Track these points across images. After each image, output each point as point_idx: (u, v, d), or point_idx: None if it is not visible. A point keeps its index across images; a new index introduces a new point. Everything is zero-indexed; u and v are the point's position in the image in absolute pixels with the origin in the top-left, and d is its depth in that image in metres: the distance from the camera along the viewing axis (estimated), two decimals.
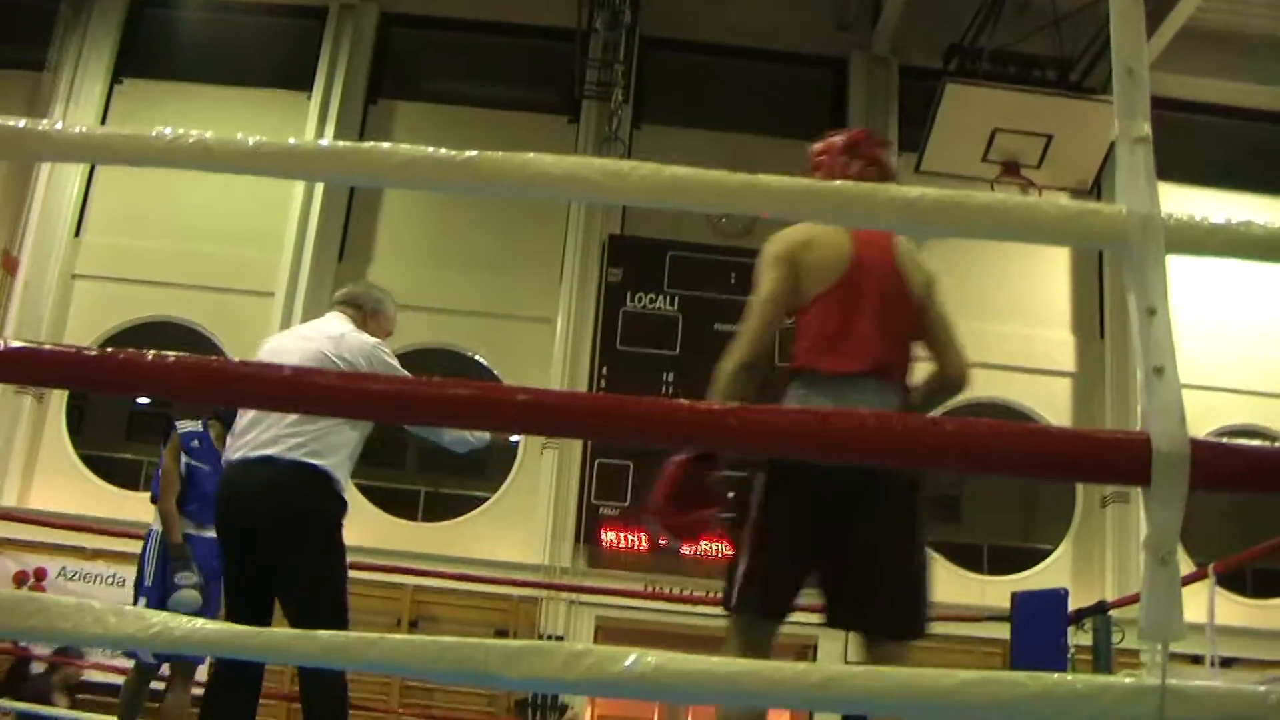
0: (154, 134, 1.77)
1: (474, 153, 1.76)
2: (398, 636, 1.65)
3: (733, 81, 17.57)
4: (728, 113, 17.02)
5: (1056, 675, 1.68)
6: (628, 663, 1.69)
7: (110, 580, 14.04)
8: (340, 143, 1.75)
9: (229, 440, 5.35)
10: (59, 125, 1.82)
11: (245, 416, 5.28)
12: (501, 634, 13.39)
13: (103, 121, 16.70)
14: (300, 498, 5.10)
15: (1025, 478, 1.80)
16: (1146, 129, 1.81)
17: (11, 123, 1.79)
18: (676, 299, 15.35)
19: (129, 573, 13.95)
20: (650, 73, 17.07)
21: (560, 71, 16.97)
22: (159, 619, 1.77)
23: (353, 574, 8.53)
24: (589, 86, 16.31)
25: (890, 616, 3.79)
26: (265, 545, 5.09)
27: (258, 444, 5.10)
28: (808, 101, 17.61)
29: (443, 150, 1.75)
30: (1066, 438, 1.88)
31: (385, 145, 1.72)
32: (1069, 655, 7.98)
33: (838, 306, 3.90)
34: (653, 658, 1.70)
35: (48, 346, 1.73)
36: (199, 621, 1.83)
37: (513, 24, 17.25)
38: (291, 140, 1.74)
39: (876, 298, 3.91)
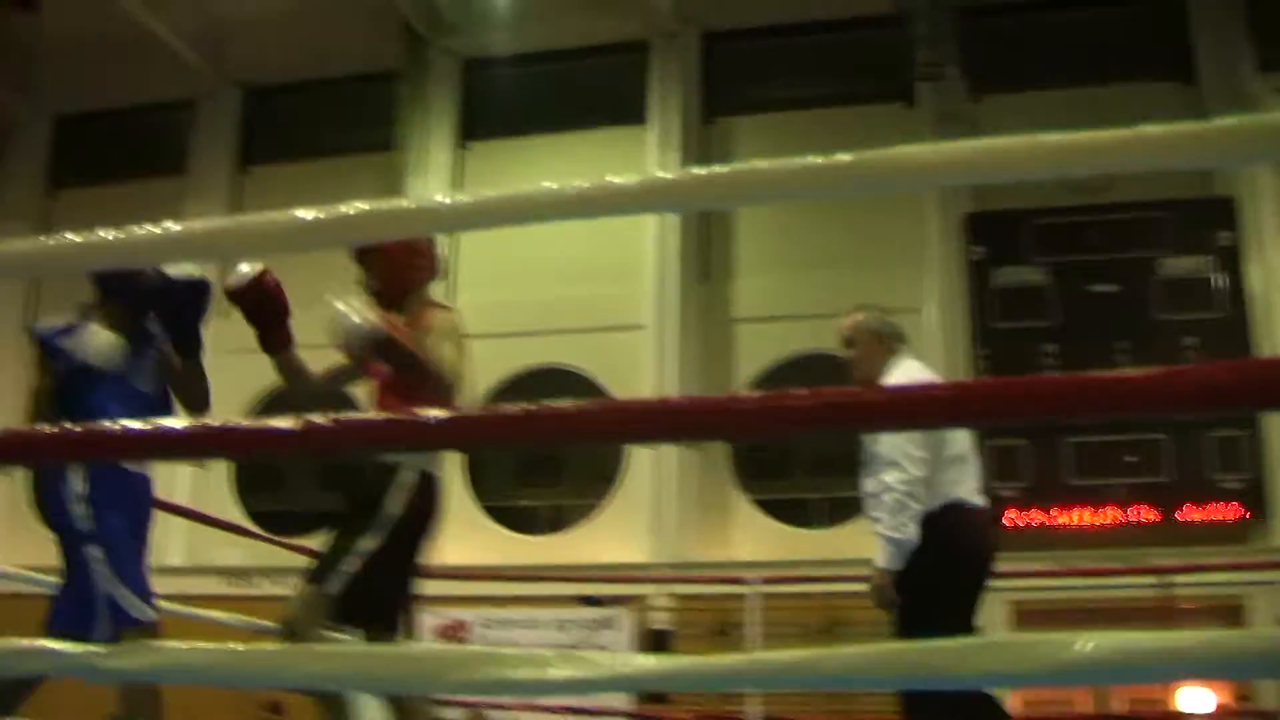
0: (537, 191, 1.81)
1: (849, 155, 1.74)
2: (849, 649, 1.63)
3: (1069, 34, 16.88)
4: (1069, 68, 16.38)
5: None
6: (1085, 647, 1.62)
7: (527, 624, 14.52)
8: (718, 168, 1.75)
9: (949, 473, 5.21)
10: (448, 198, 1.88)
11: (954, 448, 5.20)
12: None
13: (454, 187, 17.41)
14: None
15: None
16: None
17: (404, 203, 1.86)
18: (1045, 267, 14.95)
19: (543, 615, 14.51)
20: (980, 42, 16.63)
21: (888, 58, 16.77)
22: (605, 661, 1.80)
23: (766, 588, 8.64)
24: (920, 68, 16.03)
25: None
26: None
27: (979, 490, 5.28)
28: (1150, 41, 16.85)
29: (818, 158, 1.74)
30: None
31: (763, 163, 1.72)
32: None
33: None
34: (1106, 640, 1.62)
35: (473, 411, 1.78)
36: (642, 659, 1.84)
37: (833, 20, 17.15)
38: (669, 174, 1.76)
39: None
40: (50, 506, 4.67)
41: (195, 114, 19.28)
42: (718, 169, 1.73)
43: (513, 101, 18.40)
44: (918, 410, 1.68)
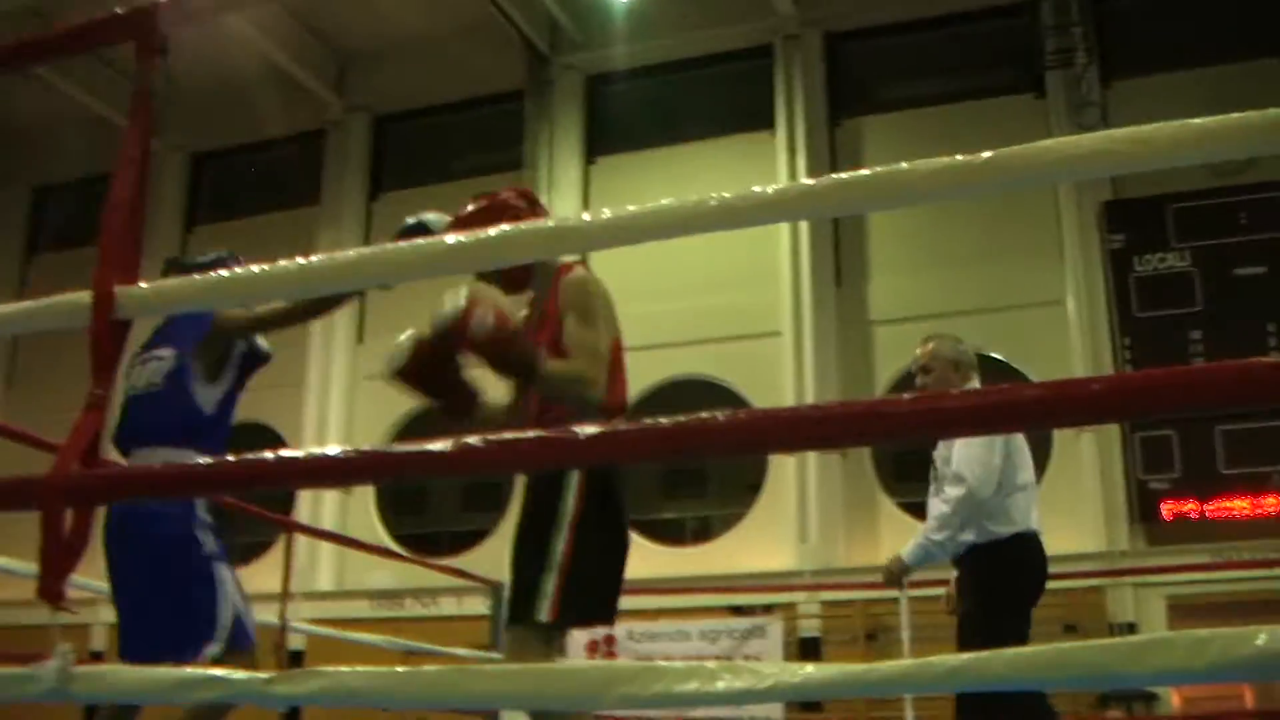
0: (679, 205, 1.81)
1: (990, 153, 1.72)
2: (1015, 650, 1.60)
3: (1199, 12, 16.38)
4: (1201, 48, 15.92)
5: None
6: (1259, 641, 1.56)
7: (676, 636, 14.44)
8: (860, 173, 1.73)
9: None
10: (594, 215, 1.88)
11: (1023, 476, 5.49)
12: (1070, 629, 12.98)
13: (585, 204, 17.51)
14: None
15: None
16: None
17: (548, 223, 1.87)
18: (1188, 253, 14.61)
19: (691, 626, 14.48)
20: (1109, 27, 16.33)
21: (1015, 49, 16.56)
22: (772, 670, 1.77)
23: (915, 591, 8.56)
24: (1049, 56, 15.80)
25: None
26: None
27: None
28: None
29: (960, 158, 1.72)
30: None
31: (905, 164, 1.70)
32: None
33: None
34: None
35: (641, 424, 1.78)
36: (809, 668, 1.81)
37: (958, 14, 16.94)
38: (811, 181, 1.75)
39: None
40: (173, 537, 4.38)
41: (325, 144, 19.60)
42: (859, 174, 1.71)
43: (636, 115, 18.44)
44: (1071, 406, 1.65)
